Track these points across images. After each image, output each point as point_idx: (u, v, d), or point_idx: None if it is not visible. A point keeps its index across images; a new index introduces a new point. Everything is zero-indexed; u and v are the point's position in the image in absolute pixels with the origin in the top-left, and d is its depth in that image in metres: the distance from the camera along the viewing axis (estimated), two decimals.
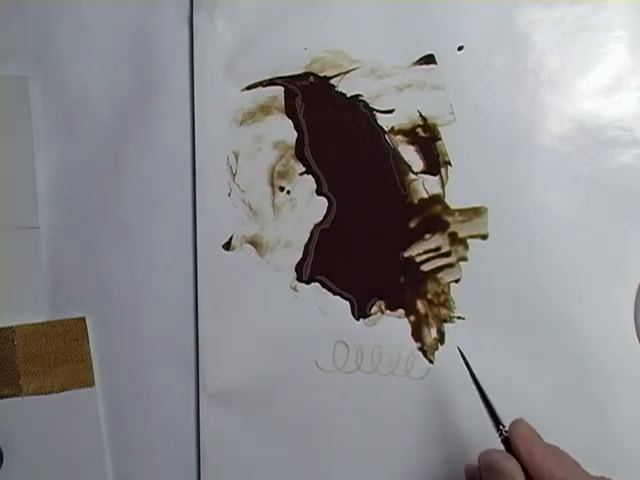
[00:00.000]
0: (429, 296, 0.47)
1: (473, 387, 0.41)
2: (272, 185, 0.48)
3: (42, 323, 0.48)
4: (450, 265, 0.47)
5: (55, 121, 0.48)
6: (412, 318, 0.47)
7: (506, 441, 0.38)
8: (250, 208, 0.48)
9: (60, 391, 0.48)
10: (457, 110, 0.47)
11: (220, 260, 0.48)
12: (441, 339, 0.47)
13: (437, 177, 0.47)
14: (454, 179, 0.47)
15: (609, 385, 0.46)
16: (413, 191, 0.47)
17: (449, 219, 0.47)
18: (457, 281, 0.47)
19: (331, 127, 0.48)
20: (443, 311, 0.47)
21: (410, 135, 0.47)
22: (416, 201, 0.47)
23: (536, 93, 0.47)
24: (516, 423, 0.38)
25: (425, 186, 0.47)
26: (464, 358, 0.42)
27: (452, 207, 0.47)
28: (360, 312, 0.48)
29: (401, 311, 0.47)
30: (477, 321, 0.47)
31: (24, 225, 0.48)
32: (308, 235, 0.48)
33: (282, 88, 0.48)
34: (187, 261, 0.48)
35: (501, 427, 0.39)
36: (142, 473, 0.49)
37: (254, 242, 0.48)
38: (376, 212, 0.48)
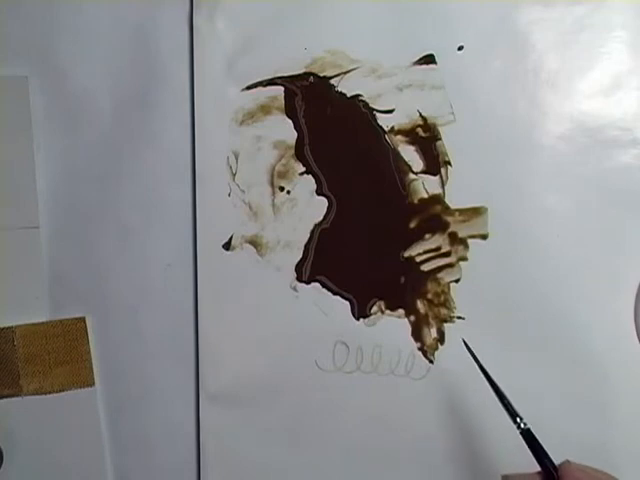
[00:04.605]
0: (429, 296, 0.47)
1: (483, 378, 0.40)
2: (272, 185, 0.48)
3: (42, 323, 0.48)
4: (450, 265, 0.47)
5: (55, 121, 0.48)
6: (412, 318, 0.47)
7: (525, 434, 0.37)
8: (250, 208, 0.48)
9: (60, 391, 0.48)
10: (457, 110, 0.47)
11: (220, 260, 0.48)
12: (441, 339, 0.47)
13: (437, 177, 0.47)
14: (454, 179, 0.47)
15: (609, 384, 0.46)
16: (413, 191, 0.47)
17: (449, 219, 0.47)
18: (457, 281, 0.47)
19: (331, 127, 0.48)
20: (443, 311, 0.47)
21: (410, 135, 0.47)
22: (416, 201, 0.47)
23: (536, 93, 0.47)
24: (564, 466, 0.36)
25: (425, 186, 0.47)
26: (471, 352, 0.41)
27: (452, 207, 0.47)
28: (360, 312, 0.48)
29: (401, 311, 0.47)
30: (477, 321, 0.47)
31: (24, 225, 0.48)
32: (308, 235, 0.48)
33: (282, 88, 0.48)
34: (187, 261, 0.48)
35: (518, 420, 0.38)
36: (142, 473, 0.49)
37: (254, 242, 0.48)
38: (376, 212, 0.48)
